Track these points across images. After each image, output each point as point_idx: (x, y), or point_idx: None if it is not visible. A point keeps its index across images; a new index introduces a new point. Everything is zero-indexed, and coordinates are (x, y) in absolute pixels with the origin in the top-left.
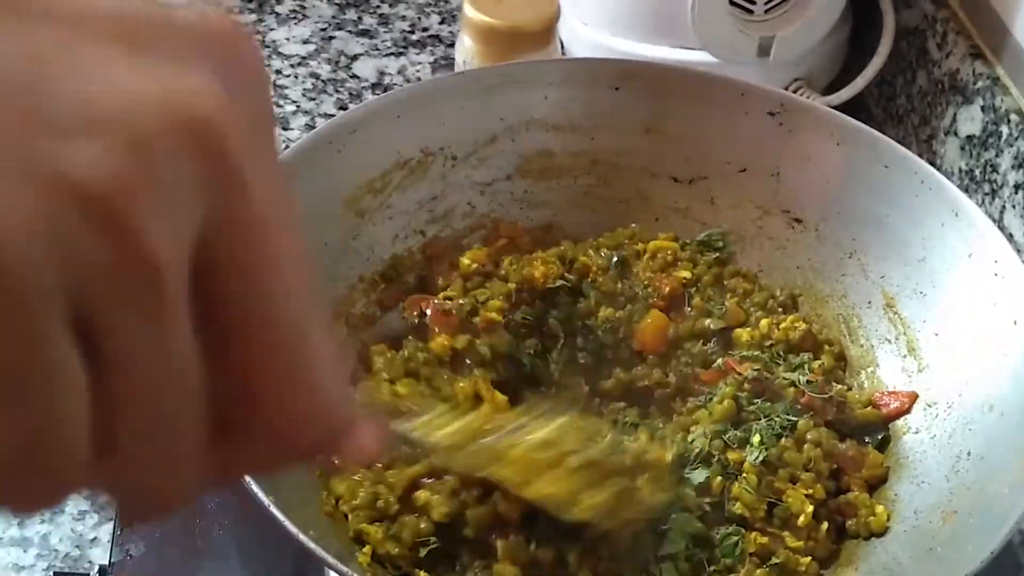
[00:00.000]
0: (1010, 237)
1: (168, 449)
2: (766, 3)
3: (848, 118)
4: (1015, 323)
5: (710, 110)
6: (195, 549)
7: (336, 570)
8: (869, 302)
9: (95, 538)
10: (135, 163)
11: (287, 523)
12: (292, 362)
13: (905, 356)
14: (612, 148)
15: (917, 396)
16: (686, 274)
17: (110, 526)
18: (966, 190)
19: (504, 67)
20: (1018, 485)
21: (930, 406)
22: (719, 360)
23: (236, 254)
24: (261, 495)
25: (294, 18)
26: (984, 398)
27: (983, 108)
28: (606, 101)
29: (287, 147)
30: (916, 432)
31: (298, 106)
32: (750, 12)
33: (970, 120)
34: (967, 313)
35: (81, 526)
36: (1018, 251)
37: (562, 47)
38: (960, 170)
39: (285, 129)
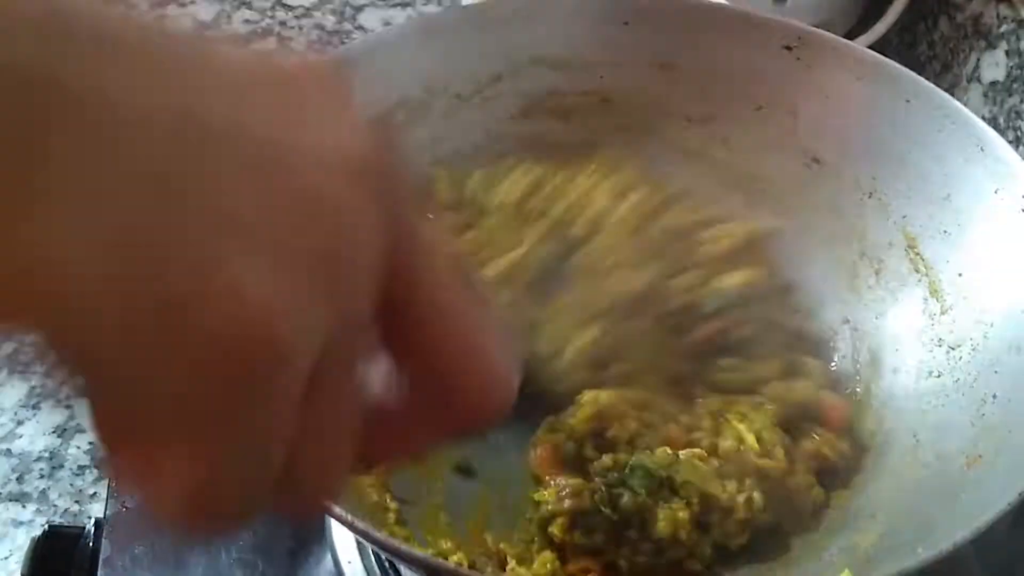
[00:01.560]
0: None
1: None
2: None
3: (869, 51)
4: None
5: (724, 45)
6: None
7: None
8: (890, 243)
9: (95, 493)
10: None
11: None
12: (478, 351)
13: (927, 299)
14: (623, 86)
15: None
16: None
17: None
18: None
19: (509, 1)
20: None
21: (953, 348)
22: None
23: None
24: None
25: None
26: (1010, 339)
27: (1007, 52)
28: (616, 37)
29: None
30: (939, 376)
31: None
32: None
33: (994, 65)
34: (993, 252)
35: (80, 481)
36: None
37: None
38: (984, 117)
39: None
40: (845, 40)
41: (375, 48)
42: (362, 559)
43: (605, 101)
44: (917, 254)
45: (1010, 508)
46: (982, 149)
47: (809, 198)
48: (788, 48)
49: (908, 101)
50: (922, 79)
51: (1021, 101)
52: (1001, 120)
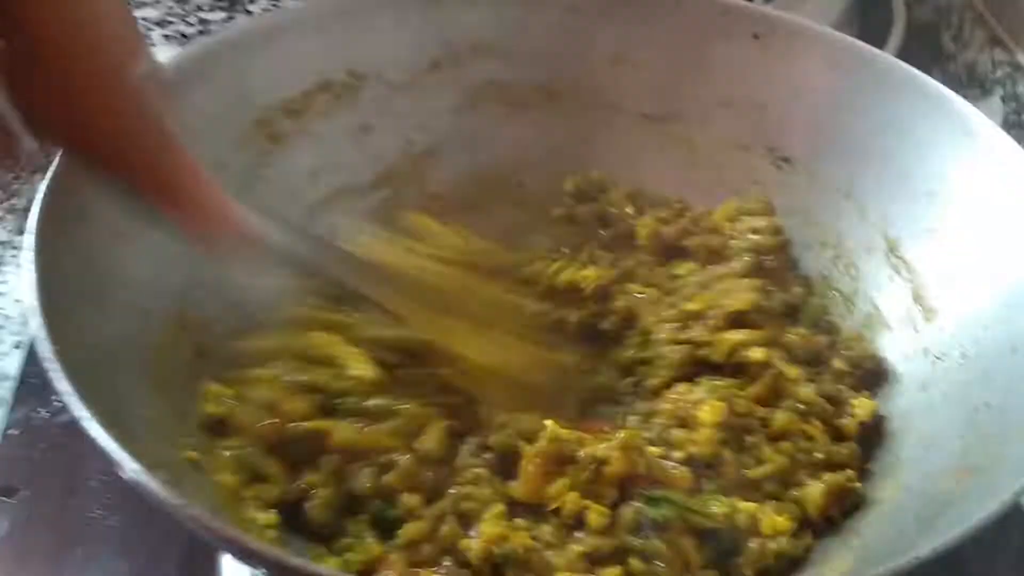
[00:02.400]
0: None
1: None
2: None
3: (844, 36)
4: None
5: (686, 34)
6: (69, 532)
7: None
8: (868, 248)
9: None
10: None
11: (110, 442)
12: None
13: (910, 306)
14: (573, 80)
15: None
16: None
17: None
18: None
19: None
20: None
21: (939, 359)
22: None
23: None
24: (78, 403)
25: None
26: (1006, 340)
27: (1003, 98)
28: (566, 24)
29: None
30: (924, 389)
31: None
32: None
33: (991, 113)
34: (985, 248)
35: None
36: None
37: None
38: None
39: None
40: (818, 25)
41: (294, 20)
42: None
43: (553, 96)
44: (899, 257)
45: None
46: (970, 136)
47: (778, 200)
48: (756, 36)
49: (886, 88)
50: (902, 63)
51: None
52: None
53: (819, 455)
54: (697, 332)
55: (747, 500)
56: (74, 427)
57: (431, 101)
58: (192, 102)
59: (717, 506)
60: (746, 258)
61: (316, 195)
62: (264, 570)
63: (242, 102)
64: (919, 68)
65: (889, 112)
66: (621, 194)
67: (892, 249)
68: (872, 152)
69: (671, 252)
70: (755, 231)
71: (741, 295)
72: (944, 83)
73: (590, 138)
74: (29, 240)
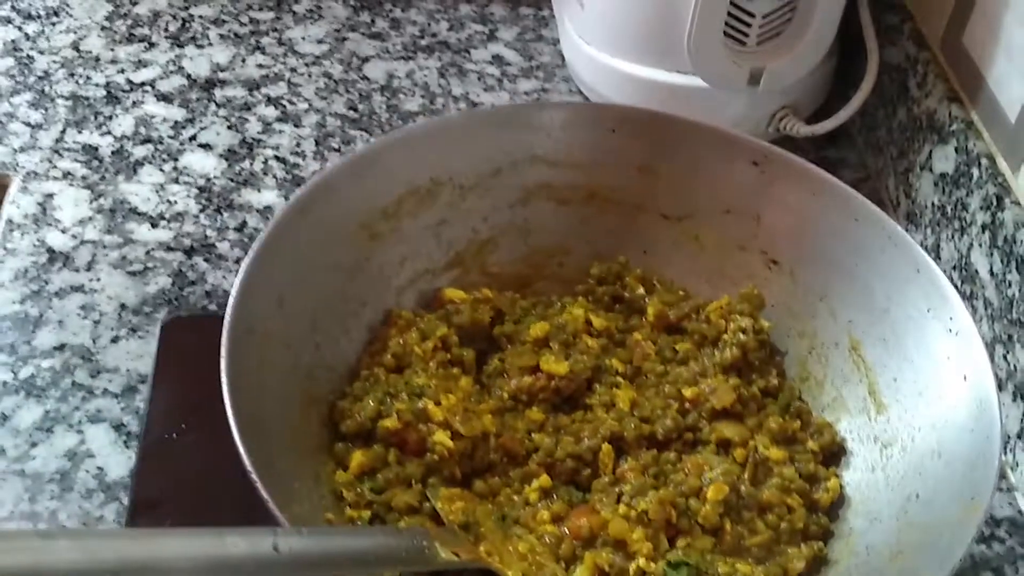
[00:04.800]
0: (975, 274)
1: None
2: (758, 36)
3: (824, 173)
4: (964, 379)
5: (698, 155)
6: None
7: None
8: (836, 343)
9: (101, 516)
10: None
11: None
12: None
13: (865, 398)
14: (608, 184)
15: None
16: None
17: (116, 505)
18: (937, 224)
19: (512, 108)
20: (960, 531)
21: (887, 447)
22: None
23: None
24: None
25: (310, 18)
26: (933, 446)
27: (956, 149)
28: (604, 141)
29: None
30: (873, 471)
31: (310, 104)
32: (743, 44)
33: (944, 159)
34: (922, 364)
35: (88, 504)
36: (983, 288)
37: (563, 60)
38: (933, 205)
39: (297, 126)
40: (804, 161)
41: (394, 143)
42: None
43: (591, 196)
44: (859, 356)
45: None
46: (918, 271)
47: (768, 294)
48: (755, 163)
49: (856, 220)
50: (869, 203)
51: (967, 194)
52: (948, 209)
53: (799, 525)
54: (692, 419)
55: (743, 563)
56: (208, 445)
57: (493, 199)
58: (317, 218)
59: (723, 567)
60: (735, 351)
61: (402, 279)
62: None
63: (351, 212)
64: (888, 107)
65: (857, 238)
66: (635, 278)
67: (854, 348)
68: (843, 267)
69: (672, 330)
70: (743, 331)
71: (724, 395)
72: (907, 124)
73: (618, 230)
74: (225, 350)
